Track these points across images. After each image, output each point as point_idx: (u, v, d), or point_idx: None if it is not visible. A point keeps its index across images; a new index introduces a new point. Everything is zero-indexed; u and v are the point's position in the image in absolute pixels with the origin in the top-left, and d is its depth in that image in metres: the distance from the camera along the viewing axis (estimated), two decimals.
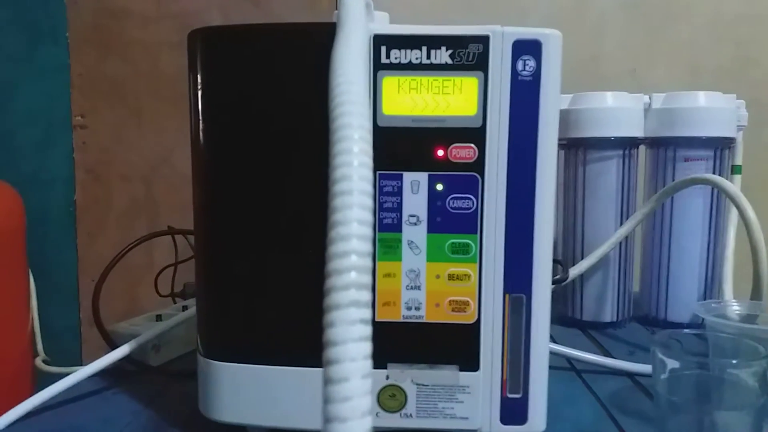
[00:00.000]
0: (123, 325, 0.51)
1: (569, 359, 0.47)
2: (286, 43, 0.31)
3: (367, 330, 0.13)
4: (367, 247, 0.13)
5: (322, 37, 0.27)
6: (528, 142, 0.31)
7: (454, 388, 0.32)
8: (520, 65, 0.31)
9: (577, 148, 0.59)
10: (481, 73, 0.31)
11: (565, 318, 0.60)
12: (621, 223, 0.57)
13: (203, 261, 0.34)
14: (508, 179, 0.31)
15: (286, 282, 0.33)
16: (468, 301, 0.32)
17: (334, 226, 0.13)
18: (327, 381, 0.13)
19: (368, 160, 0.15)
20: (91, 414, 0.41)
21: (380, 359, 0.32)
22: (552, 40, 0.31)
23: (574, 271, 0.54)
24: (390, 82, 0.31)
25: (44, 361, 0.53)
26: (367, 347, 0.13)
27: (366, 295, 0.13)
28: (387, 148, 0.31)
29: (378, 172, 0.32)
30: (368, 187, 0.14)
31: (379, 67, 0.31)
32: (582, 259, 0.56)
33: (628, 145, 0.58)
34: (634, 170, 0.59)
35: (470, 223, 0.32)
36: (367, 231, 0.14)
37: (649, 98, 0.58)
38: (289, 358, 0.33)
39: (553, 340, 0.55)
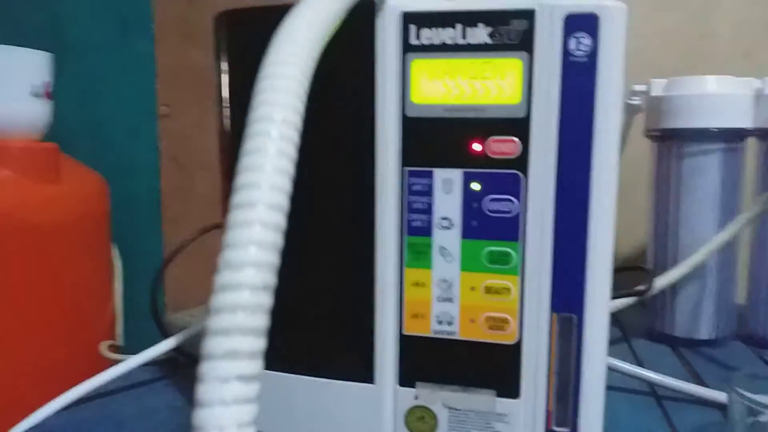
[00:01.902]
0: (181, 316, 0.51)
1: (650, 382, 0.41)
2: None
3: (248, 389, 0.10)
4: (266, 279, 0.10)
5: (355, 16, 0.24)
6: (582, 135, 0.26)
7: (491, 416, 0.28)
8: (572, 44, 0.26)
9: (671, 141, 0.51)
10: (525, 54, 0.26)
11: (653, 333, 0.54)
12: (723, 227, 0.49)
13: None
14: (558, 179, 0.27)
15: (323, 291, 0.30)
16: (507, 318, 0.28)
17: (227, 248, 0.10)
18: None
19: (283, 173, 0.12)
20: (133, 405, 0.40)
21: (409, 377, 0.29)
22: (613, 13, 0.26)
23: (661, 282, 0.47)
24: (420, 66, 0.27)
25: (109, 347, 0.55)
26: (244, 412, 0.10)
27: (255, 343, 0.10)
28: (416, 141, 0.28)
29: (406, 169, 0.28)
30: (277, 216, 0.11)
31: (408, 48, 0.27)
32: (677, 266, 0.49)
33: (733, 137, 0.50)
34: (740, 166, 0.50)
35: (511, 229, 0.27)
36: (268, 257, 0.10)
37: (762, 83, 0.50)
38: (318, 369, 0.30)
39: (635, 357, 0.49)
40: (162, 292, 0.89)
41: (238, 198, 0.11)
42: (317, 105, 0.29)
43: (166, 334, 0.47)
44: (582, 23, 0.26)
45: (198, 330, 0.45)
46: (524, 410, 0.28)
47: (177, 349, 0.44)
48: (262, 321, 0.10)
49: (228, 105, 0.31)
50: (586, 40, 0.26)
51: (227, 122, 0.31)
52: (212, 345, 0.10)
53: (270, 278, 0.10)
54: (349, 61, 0.28)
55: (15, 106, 0.60)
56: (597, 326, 0.27)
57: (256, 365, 0.10)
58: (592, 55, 0.26)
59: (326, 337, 0.30)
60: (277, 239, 0.11)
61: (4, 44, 0.63)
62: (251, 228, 0.10)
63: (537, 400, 0.28)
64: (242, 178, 0.11)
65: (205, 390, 0.10)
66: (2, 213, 0.57)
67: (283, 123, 0.12)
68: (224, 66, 0.31)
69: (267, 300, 0.10)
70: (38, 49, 0.66)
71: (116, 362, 0.41)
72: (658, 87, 0.53)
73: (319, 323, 0.30)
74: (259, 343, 0.10)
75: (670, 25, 0.70)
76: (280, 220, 0.11)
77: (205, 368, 0.10)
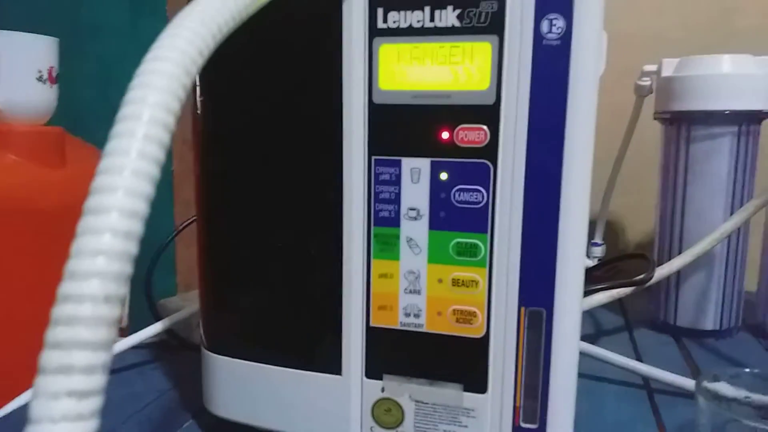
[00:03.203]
0: (174, 299, 0.51)
1: (642, 375, 0.40)
2: (285, 17, 0.27)
3: (81, 405, 0.09)
4: (109, 290, 0.10)
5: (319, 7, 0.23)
6: (554, 122, 0.25)
7: (458, 410, 0.28)
8: (545, 26, 0.25)
9: (680, 123, 0.49)
10: (495, 37, 0.25)
11: (656, 322, 0.52)
12: (732, 215, 0.47)
13: (205, 251, 0.32)
14: (528, 169, 0.26)
15: (290, 281, 0.30)
16: (475, 311, 0.27)
17: (71, 257, 0.10)
18: None
19: (143, 178, 0.11)
20: (123, 388, 0.41)
21: (376, 369, 0.29)
22: None
23: (662, 271, 0.46)
24: (388, 51, 0.26)
25: None
26: (76, 429, 0.09)
27: (93, 357, 0.09)
28: (384, 128, 0.27)
29: (373, 158, 0.27)
30: (130, 222, 0.10)
31: (375, 33, 0.26)
32: (680, 255, 0.48)
33: (747, 120, 0.47)
34: (753, 151, 0.48)
35: (479, 220, 0.26)
36: (117, 267, 0.10)
37: None
38: (287, 359, 0.30)
39: (634, 347, 0.47)
40: (174, 273, 0.90)
41: (89, 203, 0.10)
42: (283, 91, 0.28)
43: (157, 317, 0.47)
44: (555, 3, 0.24)
45: (190, 313, 0.45)
46: (491, 405, 0.27)
47: (168, 332, 0.45)
48: (102, 334, 0.10)
49: (199, 90, 0.30)
50: (560, 22, 0.25)
51: (199, 109, 0.31)
52: (45, 359, 0.09)
53: (117, 288, 0.10)
54: (314, 46, 0.27)
55: (20, 91, 0.61)
56: (568, 321, 0.26)
57: (93, 380, 0.10)
58: (566, 37, 0.25)
59: (294, 328, 0.30)
60: (129, 247, 0.10)
61: (18, 28, 0.64)
62: (101, 236, 0.10)
63: (504, 395, 0.27)
64: (97, 181, 0.11)
65: (34, 406, 0.09)
66: (8, 197, 0.58)
67: (149, 122, 0.11)
68: None
69: (110, 312, 0.10)
70: (51, 32, 0.66)
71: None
72: (669, 67, 0.50)
73: (287, 314, 0.30)
74: (98, 357, 0.10)
75: (690, 0, 0.67)
76: (133, 227, 0.11)
77: (37, 383, 0.09)
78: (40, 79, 0.62)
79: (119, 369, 0.43)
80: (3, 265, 0.58)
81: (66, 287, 0.10)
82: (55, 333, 0.09)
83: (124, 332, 0.68)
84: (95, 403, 0.10)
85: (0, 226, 0.57)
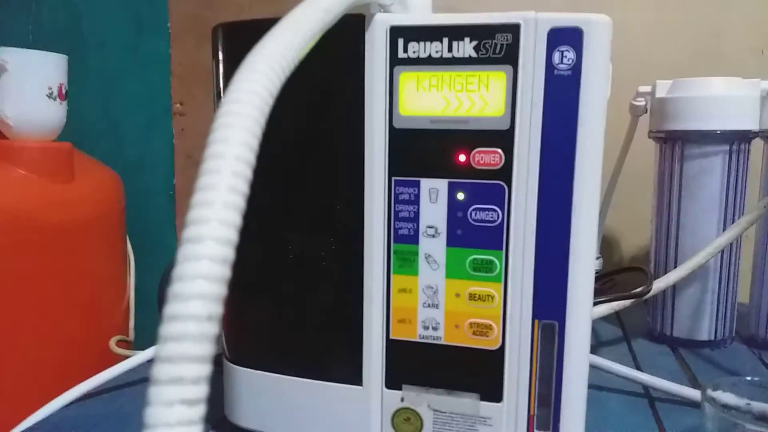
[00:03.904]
0: None
1: (643, 384, 0.41)
2: (313, 47, 0.29)
3: (191, 412, 0.11)
4: (211, 310, 0.11)
5: (345, 30, 0.25)
6: (564, 146, 0.27)
7: (474, 419, 0.29)
8: (556, 58, 0.26)
9: (674, 142, 0.51)
10: (509, 68, 0.27)
11: (654, 333, 0.54)
12: (725, 230, 0.49)
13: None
14: (540, 190, 0.27)
15: (312, 295, 0.31)
16: (491, 324, 0.29)
17: (176, 281, 0.11)
18: None
19: (233, 209, 0.12)
20: (140, 400, 0.42)
21: (395, 380, 0.30)
22: (596, 27, 0.26)
23: (659, 284, 0.48)
24: (408, 79, 0.28)
25: (119, 342, 0.57)
26: None
27: (199, 370, 0.11)
28: (403, 151, 0.29)
29: (393, 178, 0.29)
30: (225, 249, 0.12)
31: (396, 62, 0.28)
32: (676, 269, 0.50)
33: (738, 139, 0.49)
34: (744, 168, 0.50)
35: (495, 238, 0.28)
36: (216, 289, 0.11)
37: None
38: (308, 371, 0.31)
39: (633, 357, 0.49)
40: None
41: (187, 233, 0.12)
42: (308, 116, 0.30)
43: None
44: (566, 37, 0.26)
45: None
46: (507, 414, 0.29)
47: None
48: (207, 349, 0.11)
49: None
50: (570, 54, 0.26)
51: None
52: (159, 371, 0.11)
53: (216, 309, 0.11)
54: (339, 74, 0.29)
55: (31, 107, 0.62)
56: (578, 333, 0.28)
57: (200, 390, 0.11)
58: (576, 68, 0.26)
59: (317, 341, 0.31)
60: (224, 271, 0.12)
61: (23, 44, 0.65)
62: (200, 262, 0.11)
63: (519, 404, 0.29)
64: (192, 213, 0.12)
65: (151, 413, 0.11)
66: (18, 213, 0.59)
67: (236, 160, 0.12)
68: (221, 74, 0.32)
69: (212, 329, 0.11)
70: (55, 48, 0.68)
71: (125, 357, 0.43)
72: (662, 88, 0.53)
73: (311, 328, 0.31)
74: (204, 370, 0.11)
75: (681, 24, 0.70)
76: (228, 253, 0.12)
77: (152, 393, 0.11)
78: (50, 96, 0.63)
79: (135, 382, 0.44)
80: (11, 277, 0.59)
81: (173, 308, 0.11)
82: (166, 348, 0.11)
83: (129, 345, 0.69)
84: (202, 409, 0.11)
85: (10, 239, 0.58)
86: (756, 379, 0.30)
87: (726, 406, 0.28)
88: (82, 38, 0.87)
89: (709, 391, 0.28)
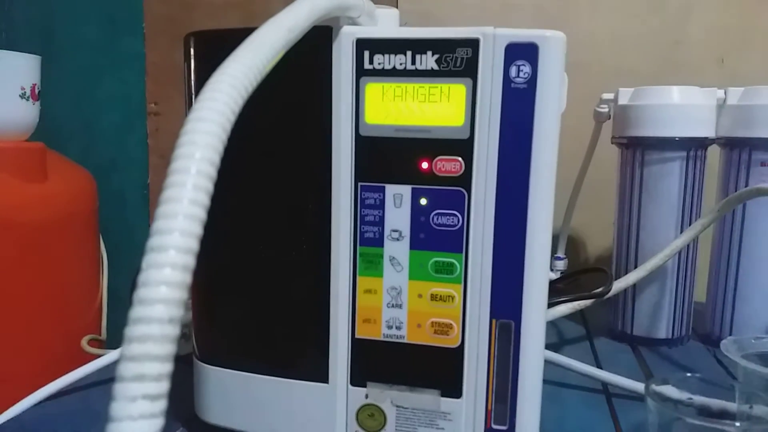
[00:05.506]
0: None
1: (602, 380, 0.43)
2: (282, 58, 0.30)
3: (153, 406, 0.12)
4: (172, 313, 0.12)
5: (314, 40, 0.26)
6: (520, 155, 0.28)
7: (435, 414, 0.31)
8: (513, 71, 0.28)
9: (635, 148, 0.53)
10: (469, 80, 0.28)
11: (615, 332, 0.56)
12: (682, 232, 0.51)
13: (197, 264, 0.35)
14: (498, 196, 0.29)
15: (280, 296, 0.32)
16: (451, 323, 0.30)
17: (140, 287, 0.12)
18: None
19: (195, 220, 0.13)
20: (110, 399, 0.42)
21: (360, 377, 0.31)
22: (551, 43, 0.28)
23: (619, 284, 0.50)
24: (373, 89, 0.29)
25: (90, 341, 0.57)
26: (150, 425, 0.12)
27: (161, 368, 0.12)
28: (369, 158, 0.30)
29: (360, 184, 0.30)
30: (186, 257, 0.13)
31: (361, 73, 0.29)
32: (635, 269, 0.52)
33: (695, 145, 0.52)
34: (701, 174, 0.53)
35: (455, 241, 0.29)
36: (177, 294, 0.12)
37: (725, 93, 0.52)
38: (276, 369, 0.32)
39: (594, 355, 0.51)
40: None
41: (151, 242, 0.13)
42: (278, 123, 0.31)
43: None
44: (522, 52, 0.28)
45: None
46: (466, 409, 0.30)
47: None
48: (168, 349, 0.12)
49: None
50: (526, 68, 0.28)
51: None
52: (123, 369, 0.12)
53: (177, 312, 0.12)
54: (307, 83, 0.30)
55: (3, 108, 0.62)
56: (533, 332, 0.30)
57: (162, 386, 0.12)
58: (532, 81, 0.28)
59: (285, 340, 0.32)
60: (185, 278, 0.13)
61: None
62: (162, 270, 0.13)
63: (478, 399, 0.30)
64: (157, 224, 0.13)
65: (115, 407, 0.12)
66: None
67: (197, 174, 0.14)
68: (193, 82, 0.33)
69: (173, 331, 0.12)
70: (29, 47, 0.68)
71: (97, 356, 0.44)
72: (624, 96, 0.55)
73: (279, 327, 0.32)
74: (165, 368, 0.12)
75: (645, 33, 0.72)
76: (188, 261, 0.13)
77: (117, 389, 0.12)
78: (23, 96, 0.63)
79: (107, 380, 0.45)
80: None
81: (137, 311, 0.12)
82: (130, 348, 0.12)
83: (101, 344, 0.69)
84: (162, 404, 0.12)
85: None
86: (702, 375, 0.32)
87: (669, 400, 0.30)
88: (56, 38, 0.87)
89: (653, 386, 0.29)
